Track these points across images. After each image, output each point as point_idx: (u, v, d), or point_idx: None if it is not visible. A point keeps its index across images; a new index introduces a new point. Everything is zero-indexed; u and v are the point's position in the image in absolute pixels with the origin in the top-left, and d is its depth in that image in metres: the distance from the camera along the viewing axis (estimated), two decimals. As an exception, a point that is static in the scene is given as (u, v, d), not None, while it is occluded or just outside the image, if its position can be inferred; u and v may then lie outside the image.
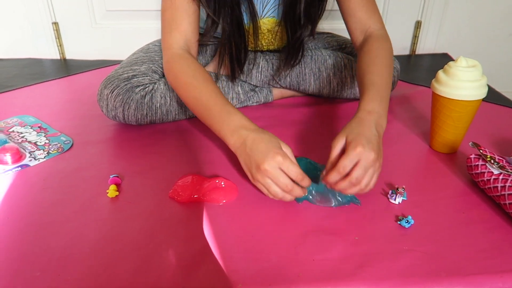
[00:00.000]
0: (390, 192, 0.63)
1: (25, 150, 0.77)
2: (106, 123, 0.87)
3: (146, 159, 0.75)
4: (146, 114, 0.84)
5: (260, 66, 0.93)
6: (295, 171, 0.57)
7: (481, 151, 0.65)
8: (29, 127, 0.86)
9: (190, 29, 0.77)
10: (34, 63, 1.34)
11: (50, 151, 0.78)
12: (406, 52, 1.45)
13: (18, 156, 0.74)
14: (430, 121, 0.77)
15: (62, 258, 0.52)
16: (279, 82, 0.95)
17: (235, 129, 0.63)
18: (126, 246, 0.54)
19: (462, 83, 0.69)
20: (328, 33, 1.06)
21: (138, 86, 0.83)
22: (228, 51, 0.83)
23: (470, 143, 0.67)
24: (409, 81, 1.13)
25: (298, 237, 0.56)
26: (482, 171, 0.63)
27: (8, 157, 0.73)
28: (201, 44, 0.94)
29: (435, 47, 1.43)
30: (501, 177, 0.60)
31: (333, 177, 0.57)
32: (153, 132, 0.84)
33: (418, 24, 1.39)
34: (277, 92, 0.99)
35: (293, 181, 0.58)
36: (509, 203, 0.58)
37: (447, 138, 0.75)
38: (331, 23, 1.01)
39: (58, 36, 1.37)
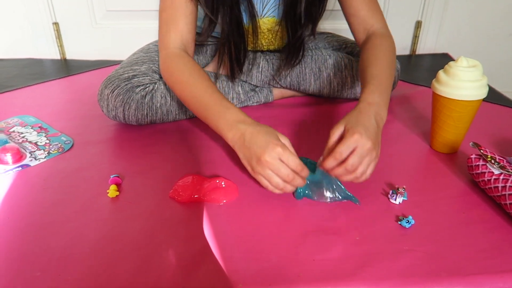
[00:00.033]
0: (390, 192, 0.63)
1: (25, 150, 0.77)
2: (107, 123, 0.87)
3: (147, 159, 0.75)
4: (147, 114, 0.84)
5: (261, 66, 0.93)
6: (295, 161, 0.58)
7: (481, 151, 0.65)
8: (30, 127, 0.86)
9: (187, 29, 0.77)
10: (35, 63, 1.34)
11: (50, 151, 0.78)
12: (407, 52, 1.45)
13: (18, 156, 0.74)
14: (431, 121, 0.77)
15: (63, 258, 0.52)
16: (280, 82, 0.95)
17: (232, 123, 0.63)
18: (126, 246, 0.54)
19: (463, 83, 0.69)
20: (328, 33, 1.06)
21: (139, 86, 0.83)
22: (228, 51, 0.83)
23: (471, 143, 0.67)
24: (409, 81, 1.13)
25: (298, 237, 0.56)
26: (483, 171, 0.63)
27: (8, 157, 0.73)
28: (201, 44, 0.94)
29: (436, 47, 1.43)
30: (501, 177, 0.60)
31: (330, 162, 0.58)
32: (153, 132, 0.84)
33: (418, 24, 1.39)
34: (278, 92, 0.99)
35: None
36: (509, 203, 0.58)
37: (447, 138, 0.75)
38: (333, 23, 1.01)
39: (59, 36, 1.37)
